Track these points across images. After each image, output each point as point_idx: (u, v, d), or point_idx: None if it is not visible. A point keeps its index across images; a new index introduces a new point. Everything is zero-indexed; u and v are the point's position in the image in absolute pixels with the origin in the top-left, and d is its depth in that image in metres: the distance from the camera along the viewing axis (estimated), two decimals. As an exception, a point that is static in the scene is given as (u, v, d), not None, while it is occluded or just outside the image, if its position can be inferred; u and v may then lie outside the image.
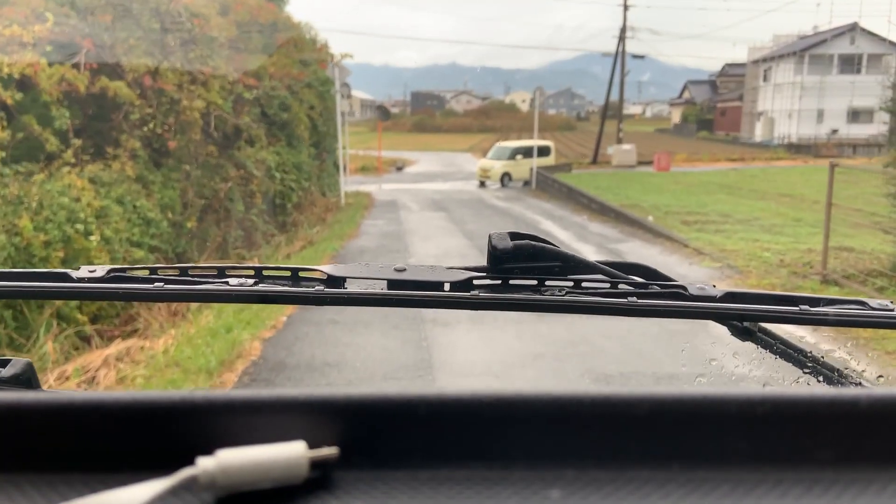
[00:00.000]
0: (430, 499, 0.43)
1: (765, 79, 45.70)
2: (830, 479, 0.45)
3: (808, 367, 0.94)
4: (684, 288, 0.90)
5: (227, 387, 4.61)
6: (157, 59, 8.69)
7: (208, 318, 6.17)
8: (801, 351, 0.95)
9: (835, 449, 0.46)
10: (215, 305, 6.56)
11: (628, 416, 0.46)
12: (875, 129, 39.55)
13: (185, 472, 0.42)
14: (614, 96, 34.17)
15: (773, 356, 0.96)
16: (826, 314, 0.84)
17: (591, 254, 9.38)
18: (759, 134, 44.79)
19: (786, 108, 42.20)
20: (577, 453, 0.46)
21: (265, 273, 0.95)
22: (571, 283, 0.89)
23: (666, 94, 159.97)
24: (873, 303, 0.87)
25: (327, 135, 17.11)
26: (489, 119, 74.20)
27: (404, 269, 0.92)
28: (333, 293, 0.89)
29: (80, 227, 6.74)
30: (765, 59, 45.74)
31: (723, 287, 0.92)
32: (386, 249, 10.74)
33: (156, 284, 0.90)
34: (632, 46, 36.31)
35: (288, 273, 0.95)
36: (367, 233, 12.55)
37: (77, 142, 7.71)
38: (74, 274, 0.93)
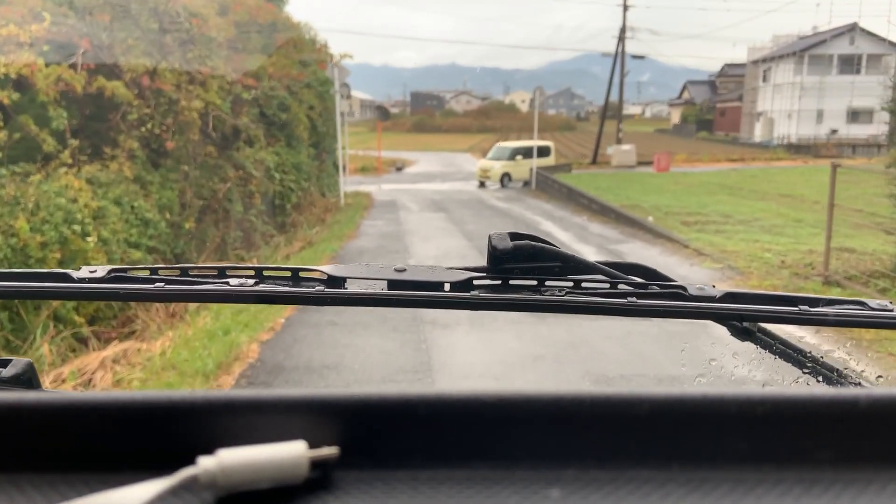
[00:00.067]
0: (430, 499, 0.43)
1: (764, 79, 45.68)
2: (830, 479, 0.45)
3: (807, 368, 0.94)
4: (684, 288, 0.90)
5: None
6: (156, 59, 8.65)
7: (206, 320, 6.13)
8: (800, 351, 0.95)
9: (834, 449, 0.46)
10: (213, 307, 6.52)
11: (628, 416, 0.46)
12: (875, 129, 39.67)
13: (185, 472, 0.42)
14: (614, 96, 34.17)
15: (773, 356, 0.96)
16: (825, 314, 0.84)
17: (591, 255, 9.34)
18: (758, 134, 44.76)
19: (785, 108, 42.17)
20: (578, 453, 0.46)
21: (265, 273, 0.95)
22: (571, 284, 0.89)
23: (665, 95, 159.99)
24: (873, 303, 0.88)
25: (327, 135, 17.07)
26: (489, 119, 74.16)
27: (404, 270, 0.92)
28: (334, 293, 0.89)
29: (77, 227, 6.70)
30: (764, 60, 45.72)
31: (722, 287, 0.92)
32: (385, 250, 10.70)
33: (156, 285, 0.90)
34: (631, 46, 36.33)
35: (288, 273, 0.95)
36: (367, 233, 12.51)
37: (74, 142, 7.67)
38: (75, 274, 0.93)
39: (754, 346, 0.97)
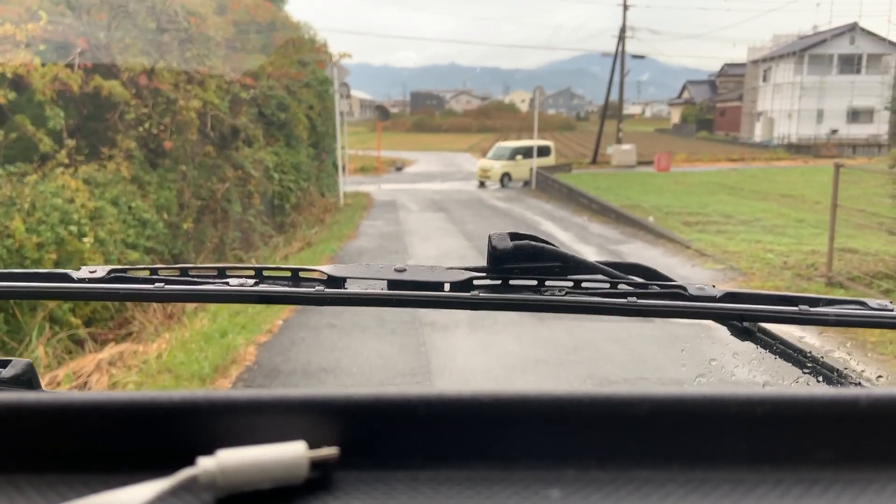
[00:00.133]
0: (430, 499, 0.43)
1: (764, 79, 45.62)
2: (830, 479, 0.45)
3: (807, 368, 0.94)
4: (684, 288, 0.90)
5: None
6: (153, 58, 8.59)
7: (203, 322, 6.07)
8: (800, 351, 0.95)
9: (834, 449, 0.46)
10: (211, 308, 6.47)
11: (628, 416, 0.46)
12: (875, 129, 39.72)
13: (185, 473, 0.42)
14: (614, 96, 34.12)
15: (773, 356, 0.96)
16: (826, 314, 0.84)
17: (592, 255, 9.28)
18: (758, 134, 44.71)
19: (785, 108, 42.12)
20: (577, 453, 0.46)
21: (265, 273, 0.95)
22: (571, 284, 0.89)
23: (665, 94, 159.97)
24: (873, 303, 0.87)
25: (326, 135, 17.01)
26: (489, 119, 74.07)
27: (404, 270, 0.92)
28: (333, 293, 0.89)
29: (73, 228, 6.64)
30: (764, 59, 45.65)
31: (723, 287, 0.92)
32: (385, 251, 10.65)
33: (156, 285, 0.90)
34: (631, 46, 36.27)
35: (288, 273, 0.95)
36: (366, 234, 12.46)
37: (71, 142, 7.61)
38: (75, 274, 0.93)
39: (754, 346, 0.97)
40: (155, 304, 6.88)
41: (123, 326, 6.99)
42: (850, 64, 40.56)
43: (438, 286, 0.89)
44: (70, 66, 7.43)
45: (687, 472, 0.45)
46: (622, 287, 0.90)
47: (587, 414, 0.46)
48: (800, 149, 38.15)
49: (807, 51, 40.98)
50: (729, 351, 1.03)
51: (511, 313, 6.09)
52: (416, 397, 0.46)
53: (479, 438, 0.46)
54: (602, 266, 0.92)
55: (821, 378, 0.92)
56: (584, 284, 0.90)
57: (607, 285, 0.90)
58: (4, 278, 0.94)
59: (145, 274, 0.95)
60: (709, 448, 0.46)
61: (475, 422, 0.46)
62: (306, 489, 0.43)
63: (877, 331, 5.58)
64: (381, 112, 32.81)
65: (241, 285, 0.91)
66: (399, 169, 31.96)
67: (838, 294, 6.75)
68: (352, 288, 0.91)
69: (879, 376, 1.06)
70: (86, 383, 5.12)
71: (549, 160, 24.82)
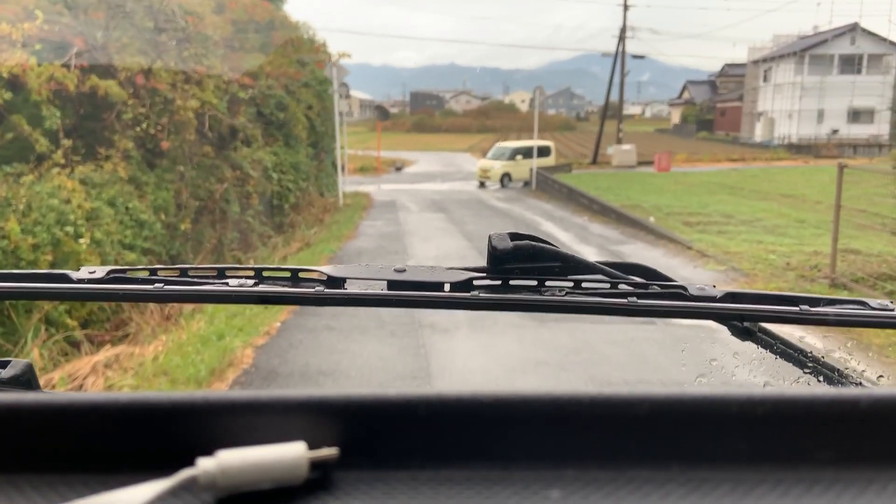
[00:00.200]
0: (430, 499, 0.43)
1: (765, 79, 45.56)
2: (830, 479, 0.45)
3: (808, 368, 0.94)
4: (684, 288, 0.90)
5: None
6: (151, 57, 8.53)
7: (200, 324, 6.01)
8: (801, 351, 0.95)
9: (835, 449, 0.46)
10: (208, 310, 6.41)
11: (628, 416, 0.46)
12: (876, 129, 39.68)
13: (185, 473, 0.42)
14: (614, 96, 34.07)
15: (774, 356, 0.96)
16: (826, 314, 0.84)
17: (592, 256, 9.21)
18: (759, 134, 44.65)
19: (786, 108, 42.05)
20: (577, 453, 0.46)
21: (265, 274, 0.95)
22: (571, 284, 0.89)
23: (665, 94, 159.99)
24: (873, 303, 0.87)
25: (325, 135, 16.95)
26: (488, 119, 73.97)
27: (404, 270, 0.91)
28: (333, 294, 0.89)
29: (69, 229, 6.58)
30: (765, 60, 45.59)
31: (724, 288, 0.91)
32: (384, 251, 10.59)
33: (156, 285, 0.90)
34: (631, 46, 36.20)
35: (288, 274, 0.95)
36: (366, 234, 12.40)
37: (67, 142, 7.55)
38: (74, 275, 0.93)
39: (755, 346, 0.97)
40: (152, 306, 6.82)
41: (120, 328, 6.93)
42: (850, 64, 40.51)
43: (438, 286, 0.89)
44: (66, 65, 7.37)
45: (687, 472, 0.45)
46: (622, 287, 0.89)
47: (587, 414, 0.46)
48: (800, 149, 38.08)
49: (807, 51, 40.92)
50: (729, 351, 1.02)
51: (512, 315, 6.05)
52: (416, 397, 0.46)
53: (479, 438, 0.46)
54: (602, 266, 0.92)
55: (821, 378, 0.92)
56: (584, 284, 0.89)
57: (607, 285, 0.90)
58: (3, 279, 0.93)
59: (145, 274, 0.95)
60: (709, 448, 0.46)
61: (475, 422, 0.46)
62: (306, 489, 0.43)
63: (882, 333, 5.53)
64: (381, 112, 32.77)
65: (241, 286, 0.90)
66: (399, 169, 31.89)
67: (842, 295, 6.69)
68: (351, 288, 0.91)
69: (880, 376, 1.05)
70: (81, 386, 5.05)
71: (550, 160, 24.76)
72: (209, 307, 6.41)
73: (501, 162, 23.63)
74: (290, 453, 0.43)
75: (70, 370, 5.41)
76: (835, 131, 40.79)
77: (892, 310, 0.85)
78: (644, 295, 0.88)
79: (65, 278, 0.93)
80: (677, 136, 56.27)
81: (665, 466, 0.46)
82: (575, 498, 0.43)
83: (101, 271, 0.94)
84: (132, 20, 8.50)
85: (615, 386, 4.40)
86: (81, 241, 6.64)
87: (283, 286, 0.92)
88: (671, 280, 0.94)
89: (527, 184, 22.79)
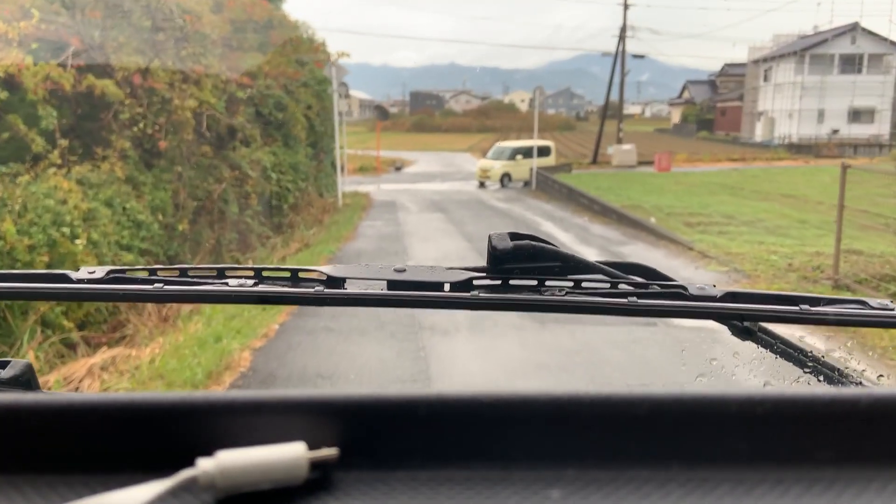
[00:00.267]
0: (430, 499, 0.43)
1: (765, 79, 45.51)
2: (830, 479, 0.45)
3: (808, 367, 0.93)
4: (684, 288, 0.90)
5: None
6: (148, 57, 8.47)
7: (197, 326, 5.95)
8: (801, 350, 0.95)
9: (835, 448, 0.46)
10: (206, 312, 6.35)
11: (628, 416, 0.46)
12: (876, 129, 39.67)
13: (184, 474, 0.42)
14: (614, 96, 34.04)
15: (774, 356, 0.96)
16: (826, 314, 0.84)
17: (593, 256, 9.14)
18: (759, 134, 44.60)
19: (786, 108, 42.01)
20: (577, 453, 0.46)
21: (265, 274, 0.95)
22: (571, 284, 0.89)
23: (665, 94, 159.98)
24: (873, 302, 0.87)
25: (325, 135, 16.89)
26: (488, 119, 73.91)
27: (404, 270, 0.91)
28: (333, 294, 0.89)
29: (66, 230, 6.53)
30: (765, 59, 45.54)
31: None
32: (384, 252, 10.54)
33: (155, 285, 0.90)
34: (631, 46, 36.20)
35: (287, 274, 0.95)
36: (365, 234, 12.34)
37: (64, 142, 7.49)
38: (74, 275, 0.93)
39: (755, 345, 0.97)
40: (150, 307, 6.77)
41: (117, 329, 6.87)
42: (851, 64, 40.46)
43: (438, 286, 0.89)
44: (63, 64, 7.31)
45: (687, 471, 0.45)
46: (622, 287, 0.89)
47: (587, 414, 0.46)
48: (801, 149, 38.04)
49: (808, 50, 40.88)
50: (729, 351, 1.01)
51: (512, 316, 5.99)
52: (416, 397, 0.46)
53: (479, 438, 0.46)
54: (602, 266, 0.92)
55: (821, 377, 0.92)
56: (584, 284, 0.89)
57: (607, 285, 0.90)
58: (3, 279, 0.93)
59: (144, 274, 0.95)
60: (709, 448, 0.46)
61: (475, 422, 0.46)
62: (306, 490, 0.43)
63: (886, 336, 5.47)
64: (381, 112, 32.73)
65: (241, 286, 0.90)
66: (398, 169, 31.84)
67: (845, 296, 6.63)
68: (351, 288, 0.91)
69: (880, 375, 1.04)
70: (77, 389, 5.00)
71: (550, 160, 24.71)
72: (207, 308, 6.35)
73: (501, 162, 23.58)
74: (290, 453, 0.43)
75: (66, 373, 5.36)
76: (835, 131, 40.74)
77: (892, 309, 0.85)
78: (644, 295, 0.88)
79: (65, 278, 0.93)
80: (677, 135, 56.22)
81: (665, 466, 0.45)
82: (575, 498, 0.43)
83: (100, 271, 0.93)
84: (129, 19, 8.44)
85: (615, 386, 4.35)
86: (78, 241, 6.58)
87: (283, 286, 0.92)
88: (671, 280, 0.94)
89: (527, 184, 22.73)
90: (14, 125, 7.10)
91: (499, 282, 0.90)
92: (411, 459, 0.46)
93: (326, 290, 0.88)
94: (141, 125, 8.32)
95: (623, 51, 31.39)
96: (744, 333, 0.96)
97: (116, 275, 0.93)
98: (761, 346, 0.96)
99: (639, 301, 0.85)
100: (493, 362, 5.08)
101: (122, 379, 4.86)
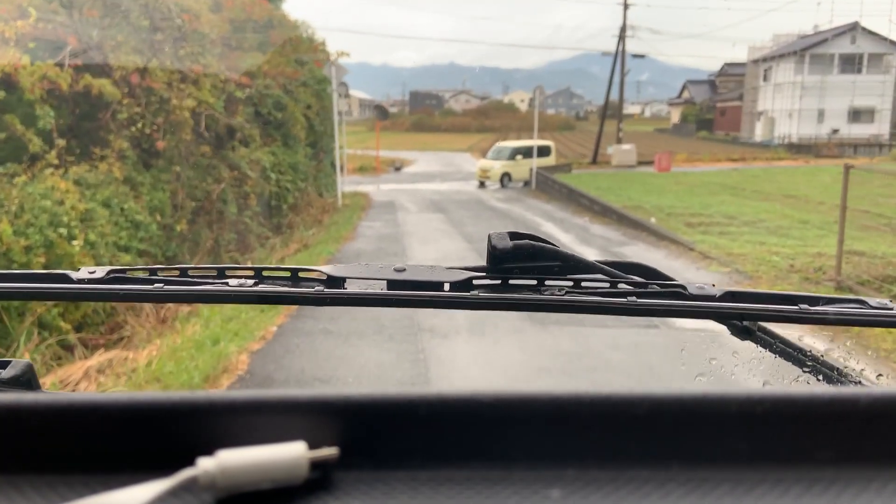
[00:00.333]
0: (430, 499, 0.43)
1: (765, 78, 45.46)
2: (830, 479, 0.45)
3: (807, 367, 0.93)
4: (684, 287, 0.90)
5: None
6: (146, 56, 8.42)
7: (195, 328, 5.90)
8: (800, 350, 0.95)
9: (835, 448, 0.46)
10: (204, 313, 6.31)
11: (628, 415, 0.46)
12: (876, 128, 39.64)
13: (185, 473, 0.42)
14: (614, 96, 34.00)
15: (773, 355, 0.96)
16: (826, 313, 0.83)
17: (593, 257, 9.10)
18: (759, 134, 44.56)
19: (786, 107, 41.96)
20: (577, 453, 0.46)
21: (265, 273, 0.95)
22: (571, 283, 0.89)
23: (665, 94, 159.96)
24: (873, 302, 0.87)
25: (324, 134, 16.84)
26: (488, 119, 73.82)
27: (404, 270, 0.91)
28: (333, 293, 0.89)
29: (63, 231, 6.48)
30: (765, 59, 45.49)
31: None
32: (383, 253, 10.49)
33: (155, 285, 0.89)
34: (631, 46, 36.17)
35: (287, 273, 0.95)
36: (364, 235, 12.29)
37: (61, 142, 7.45)
38: (74, 275, 0.93)
39: (754, 345, 0.96)
40: (148, 308, 6.72)
41: (115, 331, 6.83)
42: (851, 63, 40.41)
43: (438, 286, 0.89)
44: (60, 64, 7.27)
45: (687, 471, 0.45)
46: (622, 286, 0.89)
47: (587, 414, 0.46)
48: (801, 148, 37.99)
49: (808, 50, 40.83)
50: (729, 350, 1.02)
51: (512, 318, 5.94)
52: (416, 397, 0.46)
53: (479, 438, 0.46)
54: (602, 265, 0.92)
55: (821, 377, 0.92)
56: (583, 284, 0.89)
57: (607, 285, 0.90)
58: (3, 279, 0.93)
59: (144, 274, 0.95)
60: (709, 447, 0.46)
61: (475, 422, 0.46)
62: (306, 489, 0.43)
63: (890, 338, 5.42)
64: (380, 111, 32.68)
65: (241, 285, 0.90)
66: (398, 169, 31.79)
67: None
68: (351, 288, 0.91)
69: (879, 375, 1.04)
70: (74, 391, 4.95)
71: (550, 160, 24.67)
72: (205, 310, 6.31)
73: (501, 162, 23.53)
74: (290, 453, 0.43)
75: (62, 375, 5.31)
76: (835, 131, 40.70)
77: (892, 309, 0.85)
78: (644, 294, 0.88)
79: (65, 278, 0.93)
80: (677, 135, 56.17)
81: (665, 466, 0.45)
82: (575, 498, 0.43)
83: (100, 271, 0.93)
84: (127, 18, 8.39)
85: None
86: (75, 242, 6.54)
87: (283, 286, 0.92)
88: (671, 279, 0.94)
89: (527, 184, 22.69)
90: (11, 125, 7.05)
91: (498, 281, 0.90)
92: (411, 459, 0.46)
93: (326, 290, 0.88)
94: (139, 125, 8.27)
95: (623, 50, 31.35)
96: (743, 333, 0.96)
97: (117, 275, 0.93)
98: (761, 345, 0.96)
99: (638, 300, 0.85)
100: (493, 365, 5.03)
101: (118, 382, 4.81)
